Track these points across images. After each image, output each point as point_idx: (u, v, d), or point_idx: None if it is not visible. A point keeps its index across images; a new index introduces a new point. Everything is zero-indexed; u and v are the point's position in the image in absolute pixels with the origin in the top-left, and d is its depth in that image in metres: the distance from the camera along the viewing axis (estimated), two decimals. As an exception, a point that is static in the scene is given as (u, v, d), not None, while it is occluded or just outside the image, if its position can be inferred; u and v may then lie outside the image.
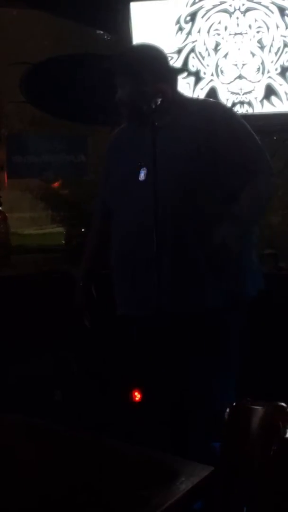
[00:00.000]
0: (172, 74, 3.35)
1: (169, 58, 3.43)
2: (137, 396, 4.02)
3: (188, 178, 3.13)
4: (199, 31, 4.88)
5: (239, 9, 4.86)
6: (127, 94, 3.25)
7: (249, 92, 4.85)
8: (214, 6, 4.89)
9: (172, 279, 3.08)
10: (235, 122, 3.25)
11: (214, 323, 3.13)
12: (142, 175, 3.15)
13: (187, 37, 4.88)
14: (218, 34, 4.86)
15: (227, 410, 1.93)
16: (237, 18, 4.87)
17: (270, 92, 4.84)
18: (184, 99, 3.37)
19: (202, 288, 3.13)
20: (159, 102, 3.09)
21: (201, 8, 4.91)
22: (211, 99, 3.54)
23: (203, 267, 3.11)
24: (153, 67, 3.25)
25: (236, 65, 4.85)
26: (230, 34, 4.88)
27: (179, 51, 4.92)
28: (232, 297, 3.17)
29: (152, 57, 3.29)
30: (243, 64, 4.87)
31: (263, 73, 4.84)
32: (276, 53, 4.84)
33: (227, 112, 3.34)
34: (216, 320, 3.13)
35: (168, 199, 3.06)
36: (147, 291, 3.09)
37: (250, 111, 4.85)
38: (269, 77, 4.85)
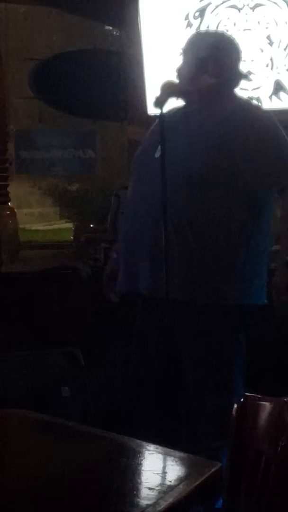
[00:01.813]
0: (231, 75, 3.36)
1: (239, 62, 3.41)
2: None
3: (197, 170, 3.12)
4: (208, 27, 4.87)
5: (248, 5, 4.85)
6: (180, 67, 3.33)
7: (258, 88, 4.84)
8: (223, 2, 4.88)
9: (176, 264, 3.08)
10: (265, 132, 3.22)
11: (211, 316, 3.13)
12: (158, 152, 3.14)
13: (195, 33, 4.87)
14: (227, 30, 4.84)
15: (235, 405, 1.92)
16: (246, 14, 4.86)
17: (279, 88, 4.83)
18: (228, 95, 3.36)
19: (207, 277, 3.13)
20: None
21: (209, 3, 4.90)
22: (254, 104, 3.51)
23: (209, 257, 3.11)
24: (214, 58, 3.29)
25: (244, 61, 4.84)
26: (239, 30, 4.86)
27: (188, 47, 4.91)
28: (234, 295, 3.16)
29: (219, 48, 3.33)
30: (252, 60, 4.86)
31: (271, 68, 4.83)
32: (285, 49, 4.83)
33: (259, 121, 3.28)
34: (214, 314, 3.13)
35: (174, 184, 3.06)
36: (148, 271, 3.13)
37: (258, 107, 4.84)
38: (278, 73, 4.84)
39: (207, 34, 3.53)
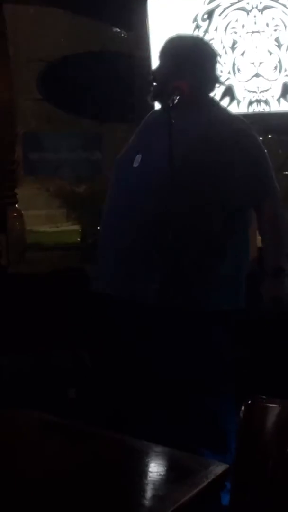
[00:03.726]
0: (208, 77, 3.37)
1: (215, 66, 3.41)
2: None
3: (173, 178, 3.11)
4: (216, 29, 4.87)
5: (256, 7, 4.84)
6: (156, 70, 3.34)
7: (266, 90, 4.83)
8: (232, 4, 4.87)
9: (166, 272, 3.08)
10: (248, 141, 3.22)
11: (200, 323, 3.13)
12: (136, 162, 3.16)
13: (204, 35, 4.86)
14: (235, 32, 4.84)
15: (242, 407, 1.92)
16: (255, 16, 4.86)
17: (286, 90, 4.82)
18: (208, 104, 3.36)
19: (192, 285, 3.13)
20: (176, 100, 3.11)
21: (218, 6, 4.89)
22: (233, 115, 3.52)
23: (193, 265, 3.11)
24: (192, 61, 3.29)
25: (253, 63, 4.84)
26: (247, 32, 4.86)
27: (196, 49, 4.91)
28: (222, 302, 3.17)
29: (197, 52, 3.33)
30: (260, 63, 4.85)
31: (280, 71, 4.82)
32: (293, 52, 4.83)
33: (242, 131, 3.29)
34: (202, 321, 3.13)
35: (156, 192, 3.08)
36: (125, 276, 3.16)
37: (266, 109, 4.83)
38: (286, 75, 4.83)
39: (184, 37, 3.51)
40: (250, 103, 4.83)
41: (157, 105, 3.47)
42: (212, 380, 3.15)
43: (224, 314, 3.17)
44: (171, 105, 3.12)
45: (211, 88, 3.41)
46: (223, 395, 3.13)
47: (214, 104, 3.45)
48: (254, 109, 4.75)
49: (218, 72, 3.47)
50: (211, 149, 3.13)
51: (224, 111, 3.49)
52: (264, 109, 4.83)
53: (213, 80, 3.41)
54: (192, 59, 3.30)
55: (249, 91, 4.87)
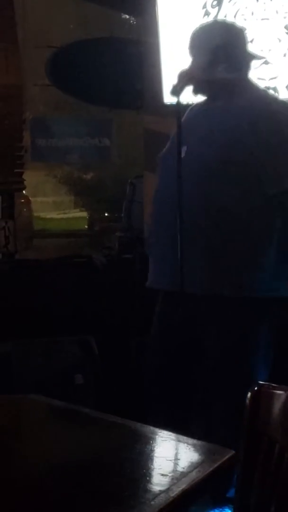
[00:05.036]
0: (243, 62, 3.37)
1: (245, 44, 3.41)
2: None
3: (213, 167, 3.15)
4: (225, 16, 4.85)
5: (266, -6, 4.82)
6: (192, 59, 3.35)
7: (275, 77, 4.82)
8: (241, -9, 4.86)
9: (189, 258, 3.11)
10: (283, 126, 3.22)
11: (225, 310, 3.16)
12: (182, 153, 3.17)
13: (213, 22, 4.85)
14: (245, 19, 4.82)
15: (249, 394, 1.93)
16: (264, 3, 4.84)
17: (296, 77, 4.81)
18: (245, 88, 3.36)
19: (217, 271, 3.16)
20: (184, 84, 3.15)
21: (228, -8, 4.87)
22: (272, 96, 3.51)
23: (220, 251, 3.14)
24: (229, 48, 3.30)
25: (262, 50, 4.82)
26: (256, 19, 4.84)
27: (205, 36, 4.89)
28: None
29: (229, 37, 3.33)
30: (269, 50, 4.84)
31: (289, 58, 4.81)
32: (303, 39, 4.81)
33: (277, 114, 3.26)
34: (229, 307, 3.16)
35: (194, 183, 3.13)
36: (166, 267, 3.19)
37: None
38: (296, 62, 4.82)
39: (215, 23, 3.53)
40: (259, 90, 4.81)
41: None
42: (254, 368, 3.18)
43: (269, 301, 3.19)
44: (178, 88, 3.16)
45: (249, 68, 3.41)
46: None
47: (254, 88, 3.43)
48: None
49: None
50: (250, 134, 3.15)
51: (263, 95, 3.47)
52: (273, 96, 4.81)
53: (249, 59, 3.41)
54: (229, 45, 3.31)
55: (258, 78, 4.85)
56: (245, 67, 3.38)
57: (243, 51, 3.37)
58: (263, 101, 3.34)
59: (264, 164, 3.13)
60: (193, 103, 3.48)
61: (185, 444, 1.90)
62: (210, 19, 4.77)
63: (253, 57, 3.43)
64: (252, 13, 4.84)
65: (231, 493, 2.02)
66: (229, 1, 4.86)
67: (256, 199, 3.13)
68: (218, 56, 3.27)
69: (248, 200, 3.13)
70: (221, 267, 3.14)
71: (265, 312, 3.19)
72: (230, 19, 4.76)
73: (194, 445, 1.87)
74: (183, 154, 3.14)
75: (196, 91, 3.34)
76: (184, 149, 3.15)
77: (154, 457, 1.90)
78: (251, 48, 3.46)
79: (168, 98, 3.98)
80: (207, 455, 1.79)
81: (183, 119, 3.33)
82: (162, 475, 1.70)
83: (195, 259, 3.11)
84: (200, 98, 3.40)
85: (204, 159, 3.16)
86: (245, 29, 3.43)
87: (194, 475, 1.67)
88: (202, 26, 3.47)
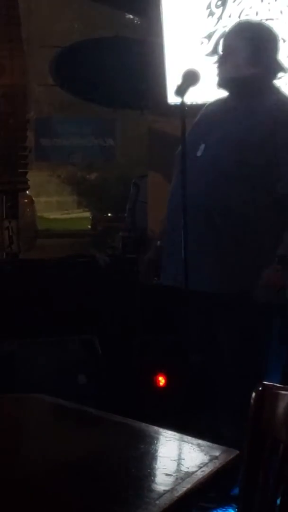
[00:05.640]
0: (272, 66, 3.39)
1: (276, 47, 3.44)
2: (161, 381, 4.03)
3: (231, 166, 3.16)
4: (230, 16, 4.85)
5: (270, -6, 4.82)
6: (222, 57, 3.43)
7: (280, 78, 4.82)
8: (246, -9, 4.85)
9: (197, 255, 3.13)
10: None
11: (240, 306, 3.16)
12: (200, 151, 3.21)
13: (217, 22, 4.85)
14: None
15: (253, 394, 1.92)
16: (269, 3, 4.83)
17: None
18: (269, 91, 3.38)
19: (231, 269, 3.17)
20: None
21: (232, -8, 4.87)
22: None
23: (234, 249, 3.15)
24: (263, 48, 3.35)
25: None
26: (261, 20, 4.84)
27: (209, 36, 4.89)
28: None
29: (262, 39, 3.37)
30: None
31: (294, 58, 4.80)
32: (307, 39, 4.80)
33: None
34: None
35: (212, 180, 3.18)
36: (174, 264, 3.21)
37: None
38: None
39: (257, 25, 3.57)
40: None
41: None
42: (266, 365, 3.20)
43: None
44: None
45: (275, 75, 3.44)
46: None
47: (277, 91, 3.45)
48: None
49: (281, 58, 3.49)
50: (271, 136, 3.19)
51: (285, 97, 3.49)
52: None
53: (277, 66, 3.43)
54: (263, 46, 3.36)
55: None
56: (273, 72, 3.41)
57: (274, 57, 3.40)
58: (286, 105, 3.37)
59: (281, 166, 3.15)
60: (196, 103, 3.49)
61: (190, 444, 1.90)
62: (214, 19, 4.77)
63: (281, 67, 3.44)
64: (257, 13, 4.84)
65: (235, 491, 2.02)
66: (234, 1, 4.86)
67: (268, 199, 3.16)
68: (254, 57, 3.31)
69: (260, 200, 3.15)
70: (234, 265, 3.16)
71: (276, 310, 3.21)
72: (234, 19, 4.76)
73: (198, 445, 1.87)
74: (200, 153, 3.16)
75: (222, 86, 3.36)
76: (201, 147, 3.17)
77: (159, 457, 1.89)
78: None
79: (172, 98, 3.98)
80: (211, 455, 1.79)
81: (200, 114, 3.36)
82: (167, 475, 1.70)
83: (207, 257, 3.13)
84: (203, 97, 3.42)
85: (222, 158, 3.19)
86: (278, 38, 3.45)
87: (198, 475, 1.67)
88: (240, 24, 3.51)
